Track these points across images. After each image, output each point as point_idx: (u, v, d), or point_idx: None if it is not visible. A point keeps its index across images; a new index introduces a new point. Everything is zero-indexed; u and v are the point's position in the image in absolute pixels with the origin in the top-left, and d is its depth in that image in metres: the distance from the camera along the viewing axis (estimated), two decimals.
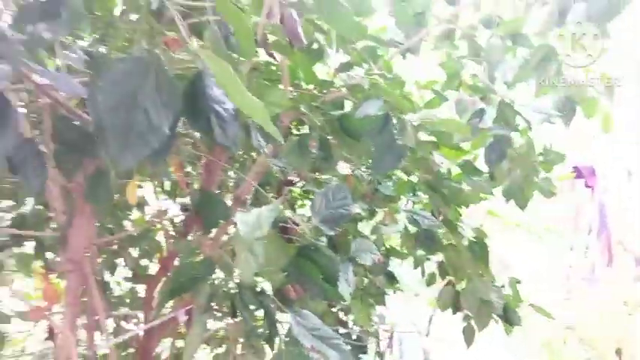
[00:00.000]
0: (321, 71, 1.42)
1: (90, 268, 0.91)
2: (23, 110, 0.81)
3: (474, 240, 1.46)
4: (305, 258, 0.86)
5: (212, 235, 1.12)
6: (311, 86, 1.34)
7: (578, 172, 3.32)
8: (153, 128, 0.62)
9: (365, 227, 1.73)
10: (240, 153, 1.44)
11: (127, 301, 1.77)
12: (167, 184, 1.68)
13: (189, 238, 1.17)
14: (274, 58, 1.18)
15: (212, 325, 1.39)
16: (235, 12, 0.65)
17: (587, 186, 3.38)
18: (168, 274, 1.27)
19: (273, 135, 0.70)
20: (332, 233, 0.90)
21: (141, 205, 1.76)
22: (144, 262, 1.69)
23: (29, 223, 1.10)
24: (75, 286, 0.90)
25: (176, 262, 1.29)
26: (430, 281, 1.73)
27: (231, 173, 1.49)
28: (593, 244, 3.56)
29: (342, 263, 1.05)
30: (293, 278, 0.87)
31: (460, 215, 1.59)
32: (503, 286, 1.49)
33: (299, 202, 1.96)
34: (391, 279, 1.78)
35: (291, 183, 1.54)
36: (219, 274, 1.02)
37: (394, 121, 1.11)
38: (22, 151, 0.70)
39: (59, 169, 0.81)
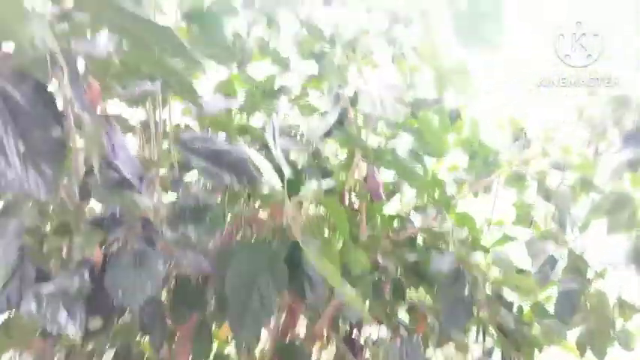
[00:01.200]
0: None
1: None
2: None
3: None
4: None
5: None
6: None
7: None
8: (265, 308, 0.74)
9: None
10: None
11: None
12: None
13: None
14: (354, 208, 1.32)
15: None
16: (337, 208, 0.78)
17: None
18: None
19: (352, 301, 0.81)
20: None
21: None
22: None
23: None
24: None
25: None
26: None
27: None
28: None
29: None
30: None
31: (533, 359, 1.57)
32: None
33: None
34: None
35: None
36: None
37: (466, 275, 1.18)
38: (151, 310, 0.84)
39: (171, 317, 0.94)
